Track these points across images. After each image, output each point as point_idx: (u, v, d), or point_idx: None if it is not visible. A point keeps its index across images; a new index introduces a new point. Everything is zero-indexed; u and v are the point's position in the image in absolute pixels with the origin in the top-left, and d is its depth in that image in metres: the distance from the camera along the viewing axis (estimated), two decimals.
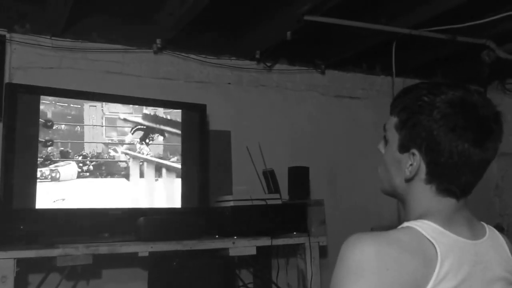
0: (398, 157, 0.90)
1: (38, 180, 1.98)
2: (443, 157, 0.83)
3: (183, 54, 2.56)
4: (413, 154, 0.86)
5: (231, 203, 2.20)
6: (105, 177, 2.13)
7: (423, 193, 0.87)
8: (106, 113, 2.18)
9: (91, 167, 2.10)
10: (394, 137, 0.91)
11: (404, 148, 0.89)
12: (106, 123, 2.17)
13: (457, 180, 0.85)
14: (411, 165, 0.87)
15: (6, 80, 2.15)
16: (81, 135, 2.11)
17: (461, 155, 0.82)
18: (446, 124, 0.82)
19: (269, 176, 2.42)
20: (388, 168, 0.94)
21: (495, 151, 0.86)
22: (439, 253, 0.78)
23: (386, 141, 0.95)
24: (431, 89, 0.87)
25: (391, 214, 2.90)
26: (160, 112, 2.30)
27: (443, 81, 0.90)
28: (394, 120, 0.91)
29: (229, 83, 2.70)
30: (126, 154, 2.20)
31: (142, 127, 2.25)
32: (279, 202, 2.30)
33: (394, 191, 0.94)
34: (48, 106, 2.04)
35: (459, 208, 0.87)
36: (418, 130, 0.85)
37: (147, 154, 2.25)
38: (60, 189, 2.02)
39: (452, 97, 0.84)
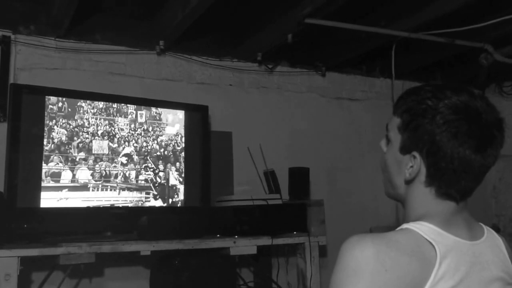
0: (399, 158, 0.90)
1: None
2: (443, 162, 0.83)
3: (185, 55, 2.58)
4: (414, 156, 0.86)
5: (233, 203, 2.23)
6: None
7: (422, 196, 0.87)
8: None
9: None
10: (396, 137, 0.91)
11: (405, 149, 0.88)
12: None
13: (457, 184, 0.85)
14: (411, 167, 0.87)
15: (11, 80, 2.17)
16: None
17: (461, 161, 0.83)
18: (449, 130, 0.82)
19: (270, 177, 2.45)
20: (388, 168, 0.94)
21: (496, 157, 0.86)
22: (438, 254, 0.79)
23: (388, 140, 0.94)
24: (436, 92, 0.86)
25: (390, 214, 2.93)
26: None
27: (448, 84, 0.89)
28: (397, 120, 0.91)
29: (231, 85, 2.72)
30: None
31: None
32: (279, 202, 2.33)
33: (395, 191, 0.94)
34: None
35: (458, 210, 0.87)
36: (420, 133, 0.85)
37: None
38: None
39: (456, 102, 0.84)
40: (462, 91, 0.85)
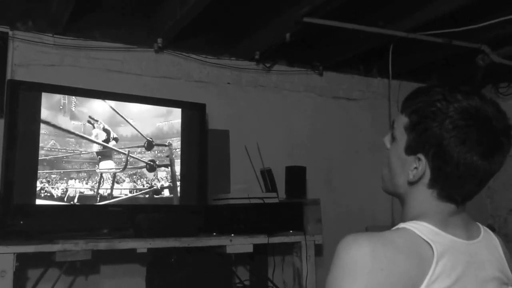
0: (403, 158, 0.89)
1: None
2: (449, 167, 0.82)
3: (183, 53, 2.58)
4: (419, 159, 0.85)
5: (229, 201, 2.23)
6: None
7: (423, 196, 0.87)
8: None
9: None
10: (402, 136, 0.89)
11: (410, 150, 0.87)
12: None
13: (460, 189, 0.85)
14: (415, 168, 0.86)
15: (8, 77, 2.17)
16: None
17: (467, 167, 0.82)
18: (457, 135, 0.81)
19: (267, 175, 2.45)
20: (391, 166, 0.92)
21: (502, 164, 0.85)
22: (435, 254, 0.79)
23: (393, 138, 0.93)
24: (446, 95, 0.84)
25: (386, 214, 2.94)
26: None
27: (460, 86, 0.86)
28: (404, 120, 0.89)
29: (229, 83, 2.73)
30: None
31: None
32: (276, 200, 2.33)
33: (395, 190, 0.93)
34: None
35: (457, 211, 0.87)
36: (428, 136, 0.84)
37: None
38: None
39: (466, 107, 0.82)
40: (473, 95, 0.84)
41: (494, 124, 0.83)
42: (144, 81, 2.49)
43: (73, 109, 2.09)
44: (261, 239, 2.19)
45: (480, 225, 0.94)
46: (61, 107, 2.06)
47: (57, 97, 2.06)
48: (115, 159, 2.18)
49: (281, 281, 2.55)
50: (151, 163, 2.24)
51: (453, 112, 0.82)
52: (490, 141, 0.82)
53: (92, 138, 2.11)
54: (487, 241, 0.91)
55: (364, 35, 2.44)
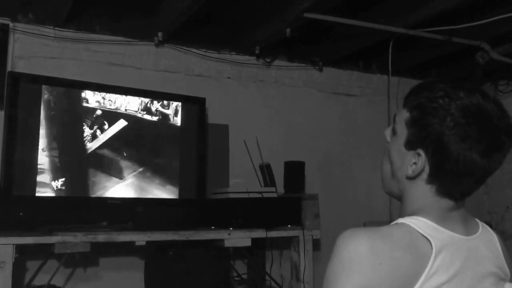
0: (403, 152, 0.89)
1: None
2: (448, 164, 0.82)
3: (184, 47, 2.58)
4: (419, 154, 0.85)
5: (228, 195, 2.24)
6: None
7: (422, 192, 0.87)
8: None
9: None
10: (402, 131, 0.89)
11: (410, 145, 0.87)
12: None
13: (459, 186, 0.85)
14: (414, 163, 0.86)
15: (9, 68, 2.17)
16: None
17: (467, 164, 0.82)
18: (458, 133, 0.81)
19: (266, 170, 2.46)
20: (391, 160, 0.93)
21: (501, 162, 0.85)
22: (434, 249, 0.79)
23: (393, 132, 0.93)
24: (449, 91, 0.84)
25: (384, 209, 2.95)
26: None
27: (463, 84, 0.86)
28: (405, 114, 0.89)
29: (229, 78, 2.73)
30: None
31: None
32: (274, 195, 2.34)
33: (394, 189, 0.93)
34: None
35: (455, 207, 0.87)
36: (428, 132, 0.83)
37: None
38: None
39: (468, 105, 0.82)
40: (475, 93, 0.84)
41: (495, 123, 0.83)
42: (144, 75, 2.49)
43: None
44: (259, 233, 2.20)
45: (479, 221, 0.95)
46: None
47: None
48: None
49: (278, 276, 2.56)
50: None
51: (454, 109, 0.82)
52: (490, 139, 0.82)
53: None
54: (485, 237, 0.91)
55: (364, 31, 2.44)
